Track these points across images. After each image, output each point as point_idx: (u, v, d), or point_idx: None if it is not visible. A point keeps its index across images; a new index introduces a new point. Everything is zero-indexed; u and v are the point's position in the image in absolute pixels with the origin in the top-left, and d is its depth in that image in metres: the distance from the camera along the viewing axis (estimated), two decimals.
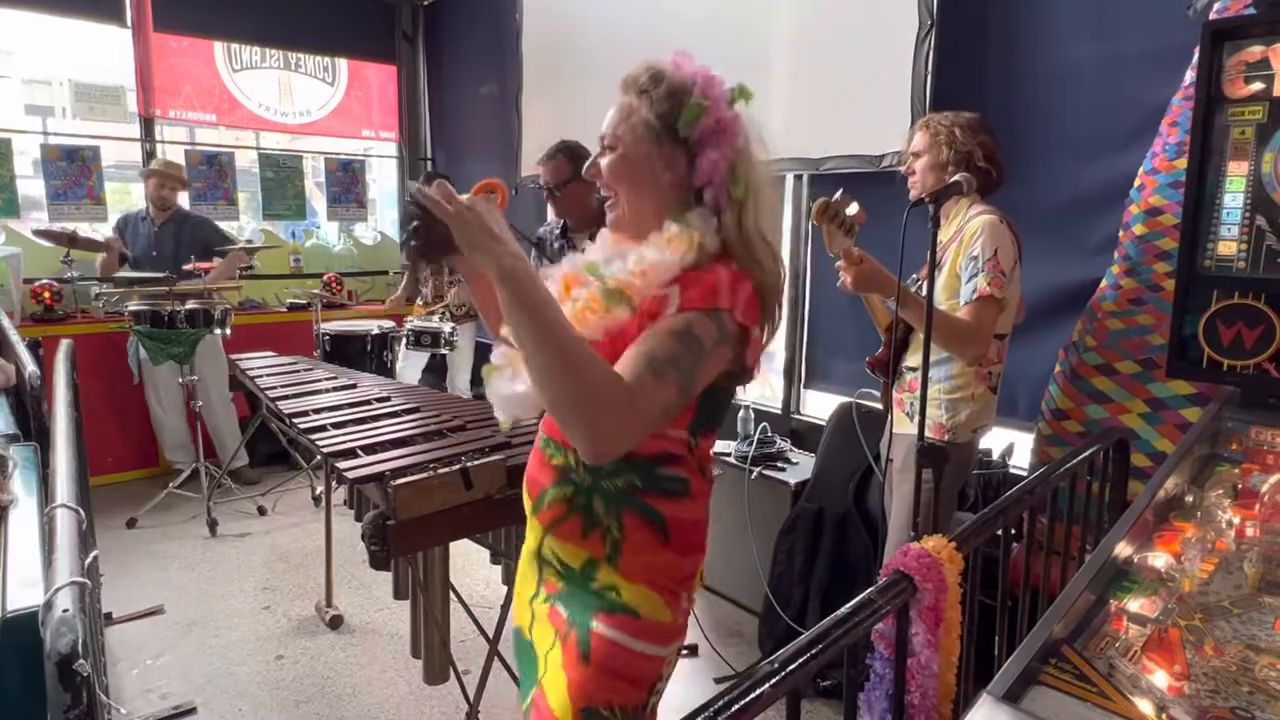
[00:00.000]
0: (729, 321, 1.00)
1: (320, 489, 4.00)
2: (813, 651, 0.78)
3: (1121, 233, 2.11)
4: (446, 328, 3.98)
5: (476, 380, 4.29)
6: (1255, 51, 1.43)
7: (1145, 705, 0.95)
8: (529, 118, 4.32)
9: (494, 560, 2.79)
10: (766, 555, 2.68)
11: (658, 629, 1.08)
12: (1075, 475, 1.59)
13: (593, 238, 3.21)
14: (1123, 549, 1.23)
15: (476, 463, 1.84)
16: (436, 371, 4.49)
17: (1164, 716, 0.93)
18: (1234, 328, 1.52)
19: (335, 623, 2.83)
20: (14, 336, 2.50)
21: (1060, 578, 1.67)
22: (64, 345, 2.38)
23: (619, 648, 1.05)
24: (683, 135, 1.06)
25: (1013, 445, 2.52)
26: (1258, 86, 1.44)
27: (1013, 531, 1.74)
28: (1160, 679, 1.00)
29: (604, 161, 1.11)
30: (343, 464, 1.89)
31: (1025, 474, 2.38)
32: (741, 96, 1.09)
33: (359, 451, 2.00)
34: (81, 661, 0.72)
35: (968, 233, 1.84)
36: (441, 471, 1.80)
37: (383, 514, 1.74)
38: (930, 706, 0.99)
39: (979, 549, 1.17)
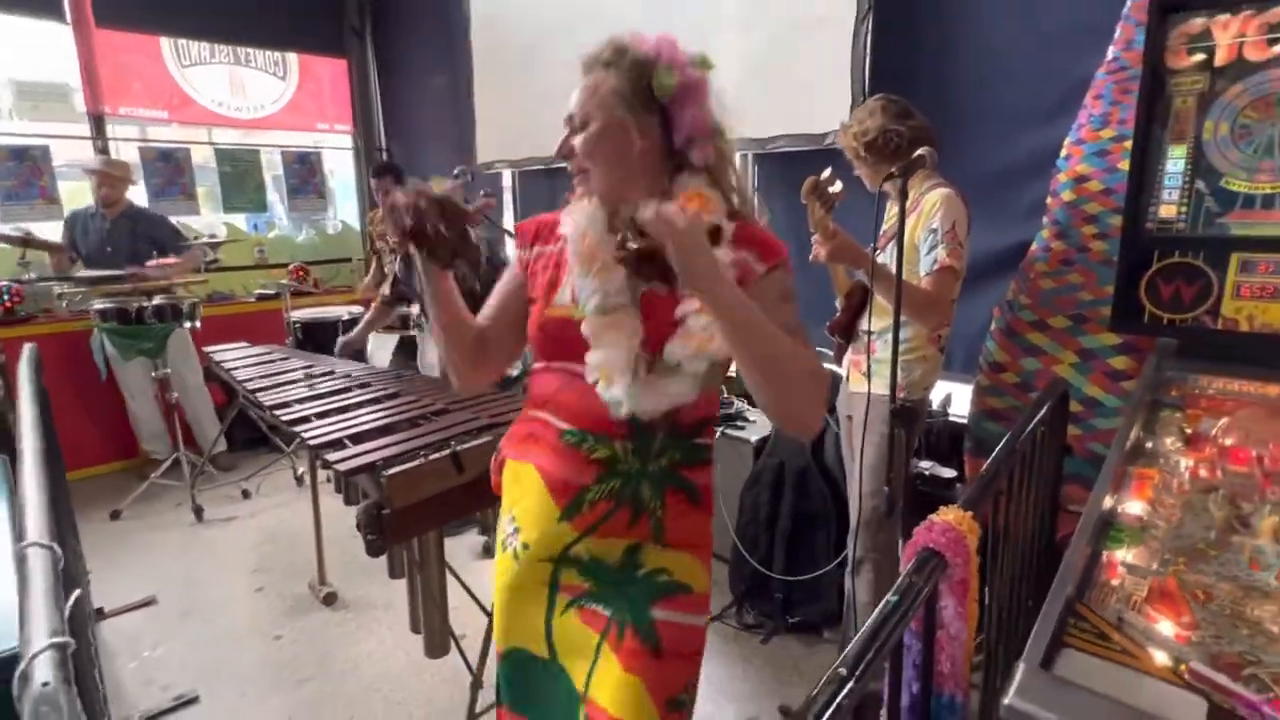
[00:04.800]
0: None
1: (302, 469, 3.75)
2: (877, 645, 0.67)
3: (1050, 199, 2.05)
4: (414, 310, 3.73)
5: None
6: (1197, 24, 1.35)
7: (1162, 656, 0.88)
8: (482, 104, 4.04)
9: (481, 532, 2.64)
10: (733, 507, 2.60)
11: (704, 599, 1.02)
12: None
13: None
14: (1101, 497, 1.17)
15: (466, 446, 1.69)
16: (407, 352, 4.23)
17: (1184, 668, 0.86)
18: (1173, 284, 1.47)
19: (329, 599, 2.64)
20: None
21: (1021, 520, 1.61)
22: (27, 350, 2.08)
23: (685, 628, 0.97)
24: (657, 98, 0.95)
25: (950, 395, 2.48)
26: (1199, 58, 1.36)
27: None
28: (1166, 628, 0.93)
29: (577, 140, 0.98)
30: (333, 456, 1.71)
31: (964, 421, 2.35)
32: (703, 65, 0.98)
33: (346, 441, 1.81)
34: None
35: (926, 205, 1.75)
36: (433, 457, 1.64)
37: (377, 503, 1.57)
38: (958, 672, 0.90)
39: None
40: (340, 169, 5.40)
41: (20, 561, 0.80)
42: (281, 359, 2.87)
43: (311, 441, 1.83)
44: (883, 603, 0.76)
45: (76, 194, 4.51)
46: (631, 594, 0.97)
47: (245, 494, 3.60)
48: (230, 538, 3.19)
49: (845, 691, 0.61)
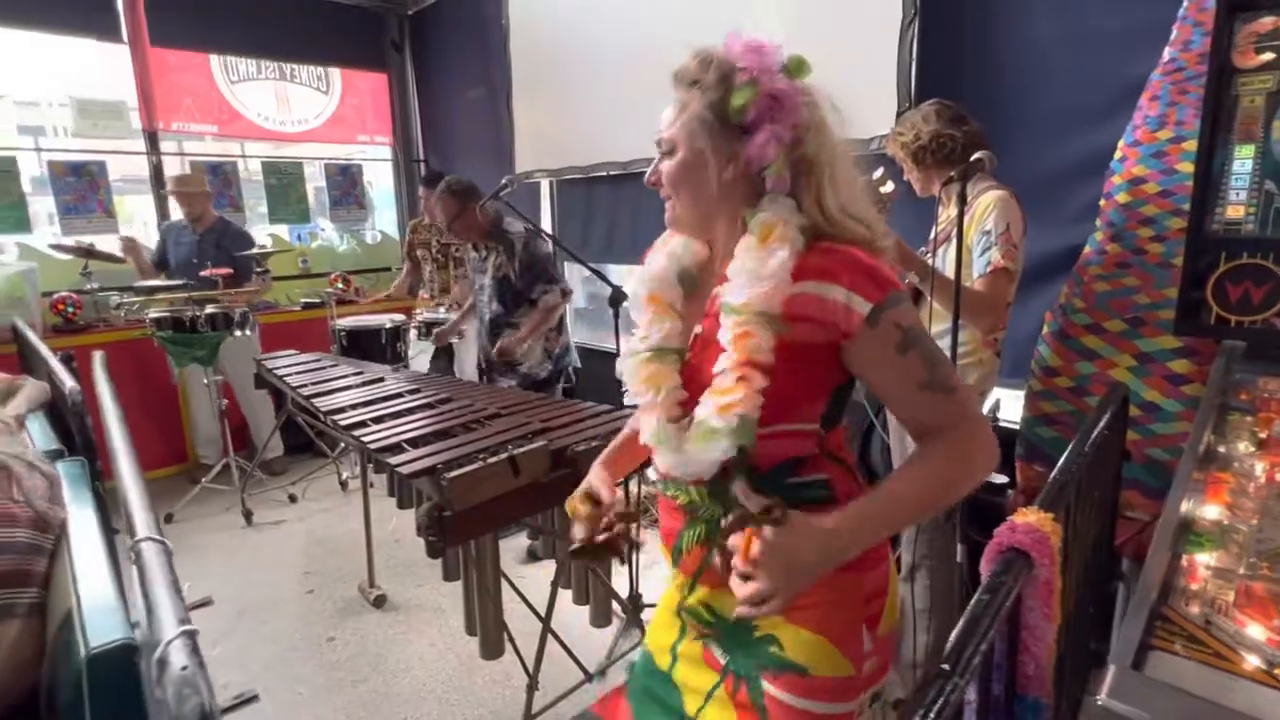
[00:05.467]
0: (902, 301, 0.86)
1: (347, 474, 3.83)
2: (975, 641, 0.68)
3: (1103, 201, 2.02)
4: (454, 318, 3.78)
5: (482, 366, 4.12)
6: (1267, 22, 1.34)
7: (1254, 659, 0.87)
8: (521, 115, 4.11)
9: (532, 536, 2.66)
10: None
11: (835, 686, 0.87)
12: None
13: (487, 248, 2.84)
14: (1178, 502, 1.16)
15: (522, 450, 1.72)
16: (445, 359, 4.29)
17: (1278, 671, 0.85)
18: (1241, 286, 1.45)
19: (379, 602, 2.69)
20: (45, 351, 2.28)
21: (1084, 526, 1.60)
22: (98, 357, 2.17)
23: (797, 713, 0.87)
24: (736, 121, 0.87)
25: (999, 400, 2.45)
26: (1268, 56, 1.35)
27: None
28: (1257, 632, 0.92)
29: (663, 167, 0.94)
30: (394, 459, 1.75)
31: (1015, 426, 2.32)
32: (799, 71, 0.90)
33: (405, 445, 1.86)
34: None
35: (979, 208, 1.75)
36: (491, 461, 1.67)
37: (438, 506, 1.61)
38: (1043, 675, 0.90)
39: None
40: (379, 180, 5.52)
41: (136, 556, 0.84)
42: (330, 365, 2.94)
43: (372, 445, 1.87)
44: (974, 600, 0.76)
45: (133, 208, 4.67)
46: (746, 651, 0.92)
47: (292, 498, 3.68)
48: (279, 541, 3.26)
49: (951, 687, 0.62)
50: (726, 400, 0.84)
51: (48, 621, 1.16)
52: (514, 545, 3.01)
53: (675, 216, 0.97)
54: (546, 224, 4.20)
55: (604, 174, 3.66)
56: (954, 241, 1.83)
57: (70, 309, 3.73)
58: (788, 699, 0.88)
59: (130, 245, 3.71)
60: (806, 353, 0.86)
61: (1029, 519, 0.92)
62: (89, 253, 3.48)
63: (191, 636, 0.68)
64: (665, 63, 0.97)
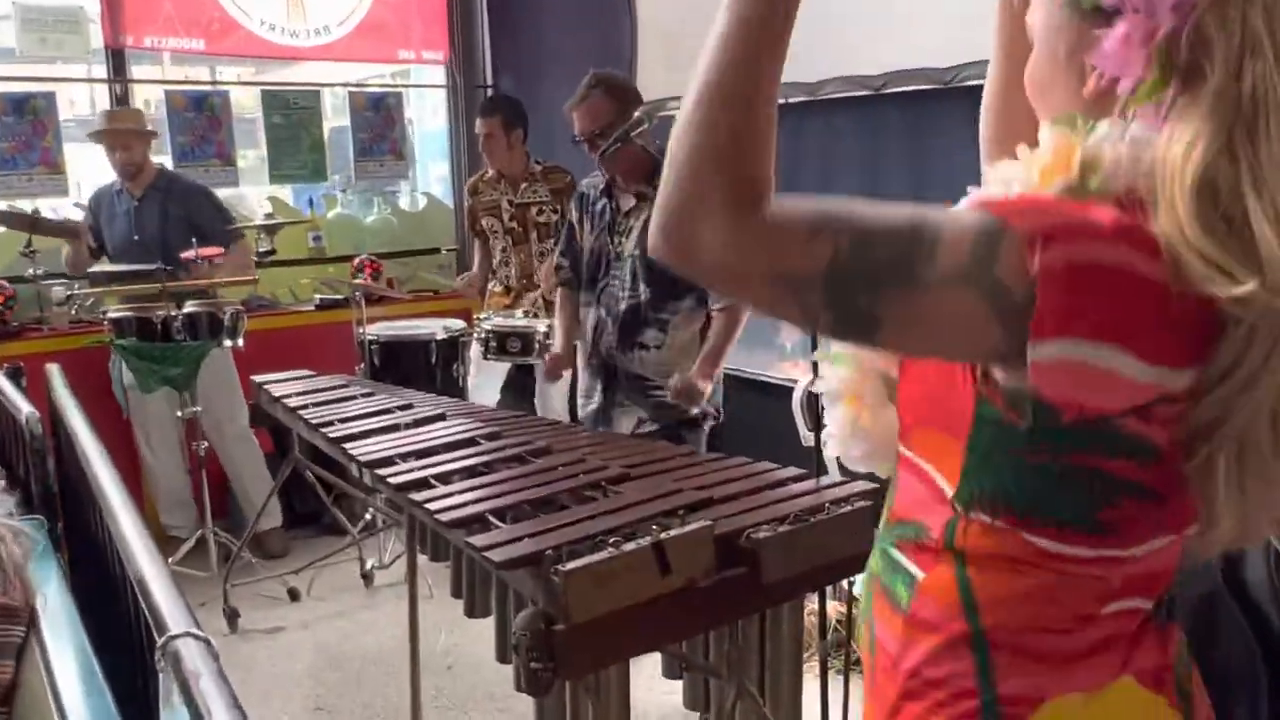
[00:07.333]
0: (1015, 263, 0.76)
1: (373, 562, 3.99)
2: None
3: None
4: (540, 326, 3.87)
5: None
6: None
7: None
8: (648, 10, 4.23)
9: (668, 674, 2.68)
10: None
11: None
12: None
13: (639, 194, 3.09)
14: None
15: (672, 533, 1.73)
16: (518, 390, 4.39)
17: None
18: None
19: None
20: None
21: None
22: (54, 372, 2.40)
23: None
24: (1090, 5, 0.87)
25: None
26: None
27: None
28: None
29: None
30: (476, 540, 1.81)
31: None
32: None
33: (490, 518, 1.92)
34: None
35: None
36: (627, 549, 1.69)
37: (545, 615, 1.64)
38: None
39: None
40: (424, 117, 5.82)
41: (173, 660, 0.91)
42: (363, 394, 3.10)
43: (442, 517, 1.95)
44: None
45: (83, 159, 5.15)
46: None
47: (293, 594, 3.88)
48: (277, 657, 3.45)
49: None
50: None
51: None
52: (644, 675, 3.02)
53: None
54: None
55: (779, 100, 3.68)
56: None
57: (5, 303, 4.14)
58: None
59: (79, 229, 4.05)
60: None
61: None
62: (34, 224, 3.86)
63: None
64: None
